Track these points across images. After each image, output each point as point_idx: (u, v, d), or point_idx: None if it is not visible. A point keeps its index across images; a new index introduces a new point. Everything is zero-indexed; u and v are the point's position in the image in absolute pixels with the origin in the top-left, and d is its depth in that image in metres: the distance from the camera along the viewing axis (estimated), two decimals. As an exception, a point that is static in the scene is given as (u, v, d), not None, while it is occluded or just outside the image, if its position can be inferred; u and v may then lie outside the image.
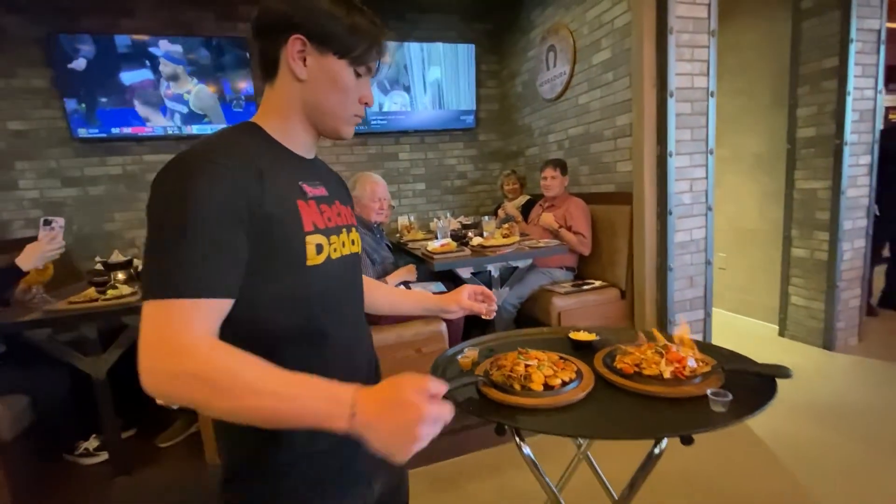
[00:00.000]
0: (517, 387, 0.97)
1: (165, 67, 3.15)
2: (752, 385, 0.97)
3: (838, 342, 2.85)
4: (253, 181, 0.60)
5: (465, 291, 1.04)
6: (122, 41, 3.03)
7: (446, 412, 0.51)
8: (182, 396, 0.51)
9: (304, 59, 0.66)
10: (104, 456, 1.97)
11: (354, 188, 2.31)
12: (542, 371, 1.01)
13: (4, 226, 3.06)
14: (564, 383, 0.99)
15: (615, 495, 1.32)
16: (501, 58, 4.03)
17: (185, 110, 3.23)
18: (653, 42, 2.22)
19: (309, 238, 0.66)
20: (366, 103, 0.72)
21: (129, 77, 3.09)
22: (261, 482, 0.65)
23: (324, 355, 0.69)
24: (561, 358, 1.10)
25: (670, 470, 1.81)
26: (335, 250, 0.70)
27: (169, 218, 0.55)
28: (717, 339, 3.07)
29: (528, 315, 2.65)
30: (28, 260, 1.70)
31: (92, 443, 2.01)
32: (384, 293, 1.03)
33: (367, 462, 0.71)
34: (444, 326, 2.25)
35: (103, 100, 3.05)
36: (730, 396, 0.87)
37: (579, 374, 1.03)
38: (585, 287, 2.56)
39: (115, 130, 3.11)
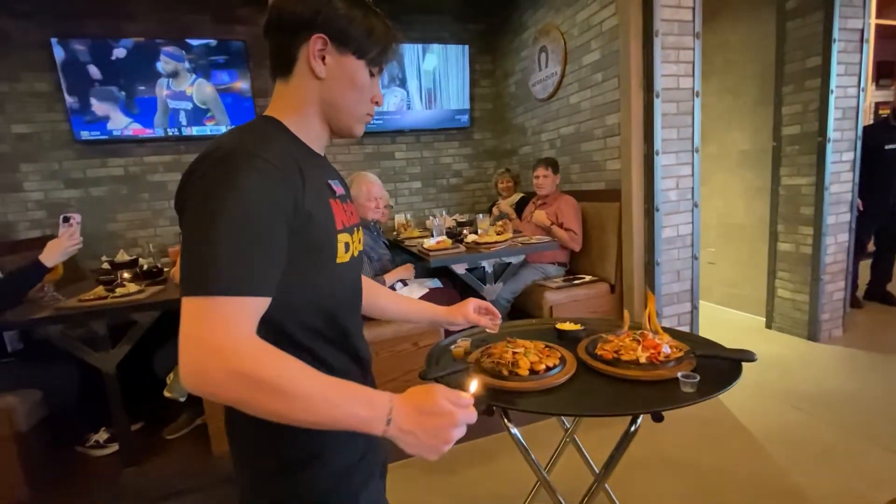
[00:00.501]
0: (505, 372, 1.06)
1: (166, 66, 3.21)
2: (721, 368, 1.05)
3: (822, 333, 2.94)
4: (297, 178, 0.61)
5: (471, 305, 1.09)
6: (123, 44, 3.09)
7: (473, 417, 0.57)
8: (232, 396, 0.51)
9: (324, 58, 0.67)
10: (114, 447, 2.04)
11: (350, 187, 2.38)
12: (528, 358, 1.09)
13: (10, 227, 3.12)
14: (549, 368, 1.07)
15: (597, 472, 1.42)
16: (495, 58, 4.10)
17: (188, 106, 3.29)
18: (639, 44, 2.30)
19: (340, 236, 0.68)
20: (376, 102, 0.75)
21: (129, 79, 3.15)
22: (296, 475, 0.67)
23: (346, 352, 0.73)
24: (547, 346, 1.18)
25: (657, 453, 1.91)
26: (355, 248, 0.74)
27: (217, 212, 0.54)
28: (706, 332, 3.13)
29: (522, 309, 2.74)
30: (51, 256, 1.77)
31: (102, 435, 2.08)
32: (394, 300, 1.05)
33: (379, 455, 0.79)
34: (439, 321, 2.33)
35: (104, 102, 3.12)
36: (697, 378, 0.95)
37: (563, 360, 1.12)
38: (576, 282, 2.64)
39: (115, 132, 3.18)
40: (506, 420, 1.08)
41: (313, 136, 0.72)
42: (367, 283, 1.00)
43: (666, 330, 1.22)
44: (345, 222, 0.71)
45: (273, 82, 0.71)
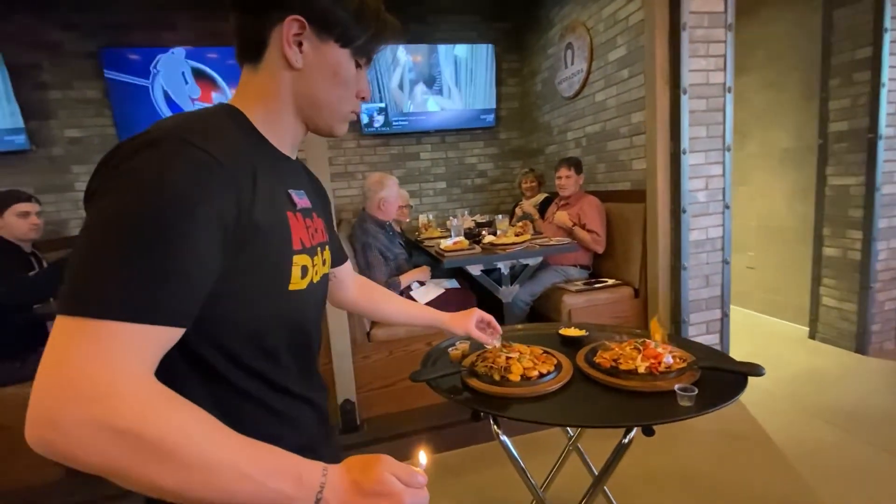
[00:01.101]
0: (496, 377, 1.04)
1: (205, 75, 3.37)
2: (726, 381, 0.99)
3: (872, 346, 2.71)
4: (248, 180, 0.50)
5: (474, 319, 1.08)
6: (165, 52, 3.28)
7: (424, 500, 0.45)
8: (96, 460, 0.37)
9: (300, 45, 0.56)
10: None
11: (374, 188, 2.42)
12: (521, 363, 1.07)
13: (62, 224, 3.37)
14: (542, 375, 1.04)
15: (607, 490, 1.37)
16: (522, 56, 4.05)
17: None
18: (665, 39, 2.20)
19: (296, 258, 0.56)
20: (363, 98, 0.64)
21: (170, 85, 3.33)
22: None
23: (294, 396, 0.60)
24: (545, 352, 1.15)
25: (675, 466, 1.82)
26: (316, 273, 0.61)
27: (126, 209, 0.42)
28: (742, 341, 2.99)
29: (540, 312, 2.69)
30: None
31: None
32: (398, 306, 1.02)
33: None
34: (454, 322, 2.32)
35: (147, 107, 3.31)
36: (695, 391, 0.90)
37: (559, 367, 1.09)
38: (598, 285, 2.56)
39: (157, 136, 3.37)
40: (495, 427, 1.07)
41: (283, 134, 0.60)
42: (366, 288, 1.00)
43: (673, 339, 1.16)
44: (304, 241, 0.58)
45: (240, 67, 0.60)
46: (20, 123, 3.13)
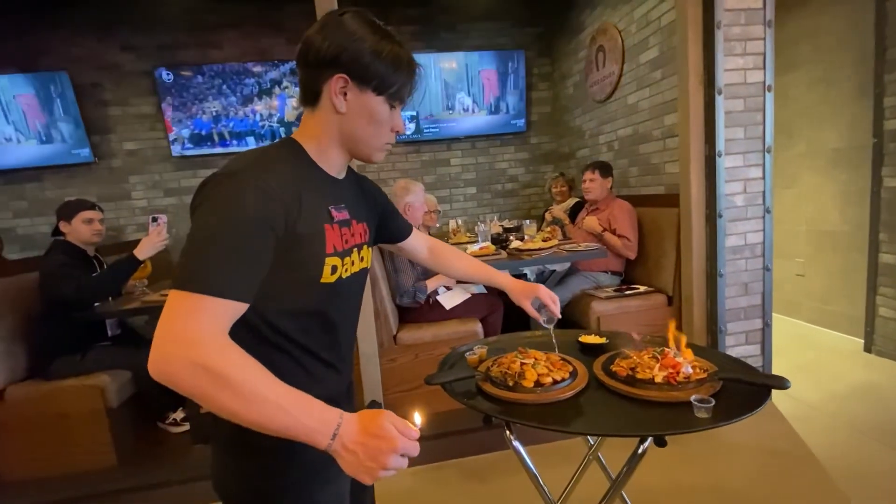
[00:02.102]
0: (510, 382, 1.05)
1: (248, 88, 3.57)
2: (748, 394, 0.95)
3: (937, 361, 2.50)
4: (294, 203, 0.67)
5: (540, 291, 1.14)
6: (211, 69, 3.50)
7: (415, 449, 0.57)
8: (191, 385, 0.54)
9: (345, 94, 0.71)
10: (187, 426, 2.31)
11: (400, 194, 2.48)
12: (536, 369, 1.07)
13: (121, 230, 3.65)
14: (556, 382, 1.04)
15: (627, 500, 1.34)
16: (553, 60, 4.02)
17: (275, 123, 3.65)
18: (699, 38, 2.13)
19: (327, 260, 0.72)
20: (397, 132, 0.78)
21: (218, 100, 3.55)
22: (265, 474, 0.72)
23: (322, 361, 0.78)
24: (562, 359, 1.15)
25: (710, 482, 1.75)
26: (346, 270, 0.77)
27: (215, 223, 0.61)
28: (789, 353, 2.83)
29: (569, 319, 2.65)
30: (143, 251, 2.08)
31: (178, 414, 2.36)
32: (466, 264, 1.18)
33: None
34: (479, 326, 2.34)
35: (196, 120, 3.54)
36: (712, 402, 0.88)
37: (574, 374, 1.08)
38: (628, 292, 2.50)
39: (205, 148, 3.59)
40: (508, 433, 1.07)
41: (332, 162, 0.77)
42: (437, 250, 1.17)
43: (692, 347, 1.12)
44: (337, 247, 0.74)
45: (303, 108, 0.76)
46: (85, 139, 3.42)
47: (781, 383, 0.92)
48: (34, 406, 1.97)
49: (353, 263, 0.79)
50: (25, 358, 2.10)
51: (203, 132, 3.57)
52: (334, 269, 0.74)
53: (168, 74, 3.45)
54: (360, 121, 0.73)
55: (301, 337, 0.74)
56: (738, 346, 2.30)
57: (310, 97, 0.73)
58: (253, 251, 0.62)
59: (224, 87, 3.54)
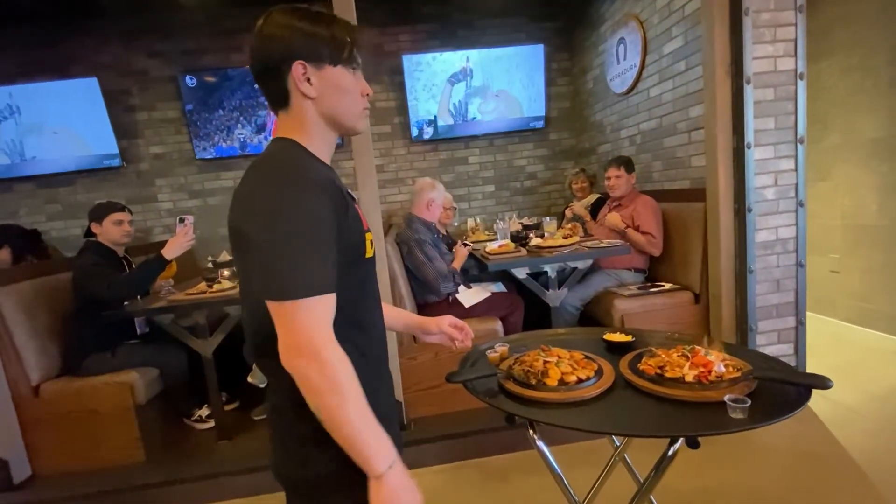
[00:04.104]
0: (533, 381, 1.02)
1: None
2: (786, 394, 0.91)
3: None
4: (337, 192, 0.71)
5: (447, 318, 1.10)
6: (232, 73, 3.56)
7: None
8: (315, 385, 0.63)
9: (308, 80, 0.73)
10: (212, 423, 2.35)
11: (426, 189, 2.50)
12: (559, 368, 1.04)
13: (148, 232, 3.76)
14: (580, 380, 1.01)
15: (655, 503, 1.30)
16: (572, 55, 3.96)
17: None
18: (726, 26, 2.06)
19: (367, 235, 0.78)
20: (367, 94, 0.80)
21: (239, 102, 3.61)
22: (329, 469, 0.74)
23: (375, 340, 0.82)
24: (586, 357, 1.12)
25: (741, 484, 1.69)
26: (372, 246, 0.82)
27: (287, 226, 0.64)
28: (825, 353, 2.71)
29: (592, 318, 2.60)
30: (170, 251, 2.13)
31: (204, 411, 2.40)
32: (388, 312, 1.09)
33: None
34: (499, 325, 2.31)
35: (218, 125, 3.61)
36: (748, 403, 0.83)
37: (599, 373, 1.05)
38: (653, 290, 2.44)
39: (227, 150, 3.66)
40: (531, 432, 1.05)
41: (324, 150, 0.79)
42: None
43: (731, 347, 1.08)
44: (365, 224, 0.79)
45: (275, 114, 0.78)
46: (114, 145, 3.53)
47: (823, 383, 0.87)
48: (67, 402, 2.04)
49: (371, 242, 0.83)
50: (59, 355, 2.17)
51: (225, 134, 3.64)
52: (371, 243, 0.79)
53: (191, 79, 3.52)
54: (333, 96, 0.75)
55: (362, 317, 0.78)
56: (770, 346, 2.21)
57: (280, 99, 0.75)
58: (328, 244, 0.66)
59: (245, 89, 3.59)
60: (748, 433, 0.79)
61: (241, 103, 3.61)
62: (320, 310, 0.64)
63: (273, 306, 0.64)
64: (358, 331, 0.77)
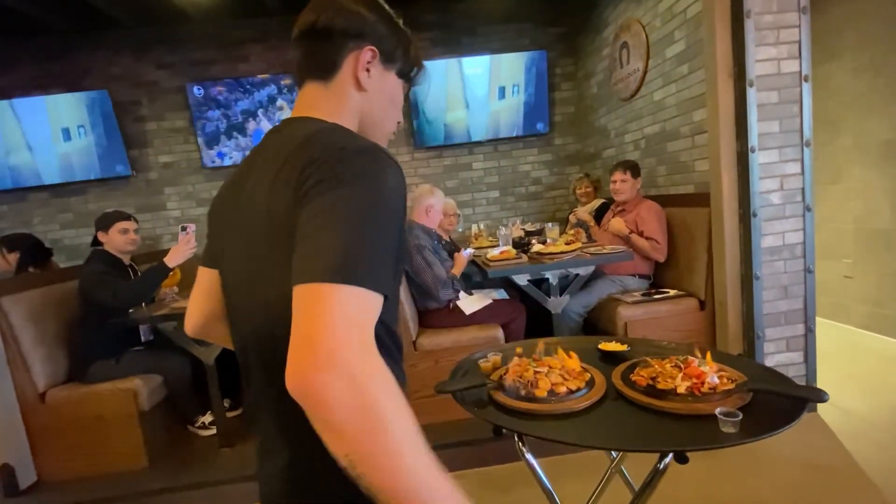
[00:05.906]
0: (523, 392, 1.01)
1: (274, 100, 3.67)
2: (781, 407, 0.88)
3: None
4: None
5: None
6: (239, 82, 3.61)
7: None
8: (331, 410, 0.41)
9: (368, 70, 0.65)
10: (214, 430, 2.36)
11: (424, 195, 2.50)
12: (549, 378, 1.03)
13: (157, 239, 3.81)
14: (570, 391, 1.00)
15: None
16: (576, 60, 3.94)
17: None
18: (727, 28, 2.03)
19: None
20: (399, 122, 0.75)
21: (245, 111, 3.66)
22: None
23: (398, 345, 0.68)
24: (583, 368, 1.10)
25: (749, 496, 1.65)
26: None
27: (370, 205, 0.50)
28: (837, 361, 2.64)
29: (595, 325, 2.56)
30: (173, 258, 2.16)
31: (207, 417, 2.42)
32: None
33: None
34: (500, 332, 2.29)
35: (224, 133, 3.66)
36: (740, 416, 0.81)
37: (590, 383, 1.03)
38: (657, 297, 2.40)
39: (234, 158, 3.71)
40: (519, 444, 1.03)
41: None
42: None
43: (720, 355, 1.05)
44: None
45: (300, 82, 0.67)
46: (124, 155, 3.60)
47: (819, 396, 0.85)
48: (72, 408, 2.07)
49: None
50: (65, 362, 2.21)
51: (232, 144, 3.69)
52: None
53: (199, 90, 3.58)
54: (382, 101, 0.68)
55: (392, 321, 0.63)
56: (778, 353, 2.16)
57: (322, 69, 0.64)
58: (397, 238, 0.52)
59: (251, 97, 3.64)
60: (754, 444, 0.77)
61: (248, 112, 3.66)
62: (368, 308, 0.46)
63: (304, 291, 0.45)
64: (390, 339, 0.63)
